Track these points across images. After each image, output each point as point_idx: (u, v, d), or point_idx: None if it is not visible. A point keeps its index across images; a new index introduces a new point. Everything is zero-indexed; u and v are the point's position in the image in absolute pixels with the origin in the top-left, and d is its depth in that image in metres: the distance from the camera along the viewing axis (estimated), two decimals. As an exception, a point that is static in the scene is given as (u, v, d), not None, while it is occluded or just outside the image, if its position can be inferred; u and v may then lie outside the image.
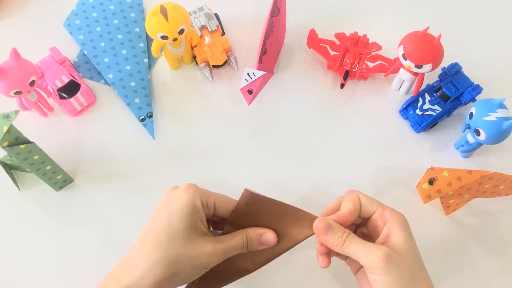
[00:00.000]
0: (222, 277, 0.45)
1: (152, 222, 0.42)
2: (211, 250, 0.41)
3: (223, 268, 0.43)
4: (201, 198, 0.42)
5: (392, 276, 0.39)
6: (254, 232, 0.43)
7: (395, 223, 0.41)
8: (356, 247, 0.41)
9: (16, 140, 0.50)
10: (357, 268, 0.45)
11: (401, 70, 0.63)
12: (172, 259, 0.39)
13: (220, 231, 0.45)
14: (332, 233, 0.42)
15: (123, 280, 0.39)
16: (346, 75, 0.66)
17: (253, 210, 0.43)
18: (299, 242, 0.44)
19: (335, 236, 0.42)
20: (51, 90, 0.64)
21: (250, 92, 0.60)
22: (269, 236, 0.43)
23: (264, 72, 0.61)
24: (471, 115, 0.55)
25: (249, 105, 0.61)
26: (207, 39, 0.68)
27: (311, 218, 0.43)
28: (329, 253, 0.44)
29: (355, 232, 0.45)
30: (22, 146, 0.51)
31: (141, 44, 0.70)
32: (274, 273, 0.55)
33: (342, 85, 0.66)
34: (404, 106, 0.64)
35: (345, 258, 0.45)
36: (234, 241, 0.42)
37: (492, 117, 0.53)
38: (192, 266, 0.40)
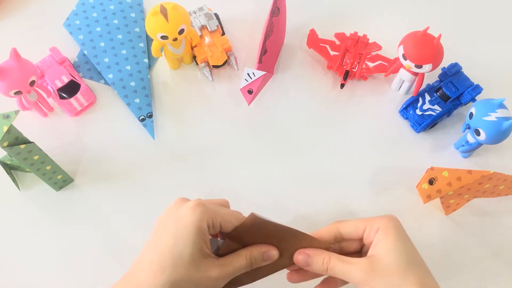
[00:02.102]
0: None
1: (158, 240, 0.41)
2: (217, 274, 0.40)
3: None
4: (207, 219, 0.41)
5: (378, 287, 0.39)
6: (257, 251, 0.43)
7: (381, 231, 0.41)
8: (339, 269, 0.41)
9: (16, 140, 0.50)
10: None
11: (401, 70, 0.63)
12: (176, 283, 0.39)
13: (219, 240, 0.45)
14: (313, 263, 0.43)
15: None
16: (346, 75, 0.66)
17: (256, 231, 0.43)
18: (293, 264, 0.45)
19: (316, 265, 0.42)
20: (51, 90, 0.64)
21: (250, 92, 0.60)
22: (272, 253, 0.43)
23: (264, 72, 0.61)
24: (471, 115, 0.55)
25: (249, 105, 0.61)
26: (207, 39, 0.68)
27: (313, 241, 0.44)
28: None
29: (360, 255, 0.45)
30: (22, 146, 0.51)
31: (141, 44, 0.70)
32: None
33: (342, 85, 0.66)
34: (404, 106, 0.64)
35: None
36: (238, 263, 0.42)
37: (492, 117, 0.53)
38: None
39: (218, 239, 0.46)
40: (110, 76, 0.67)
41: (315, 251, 0.43)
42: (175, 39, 0.60)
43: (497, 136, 0.54)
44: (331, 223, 0.45)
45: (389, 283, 0.39)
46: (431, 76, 0.65)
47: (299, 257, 0.43)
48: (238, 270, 0.42)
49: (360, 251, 0.45)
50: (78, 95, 0.64)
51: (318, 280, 0.46)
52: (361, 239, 0.44)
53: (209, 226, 0.41)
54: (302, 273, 0.45)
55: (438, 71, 0.63)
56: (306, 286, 0.47)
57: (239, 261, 0.42)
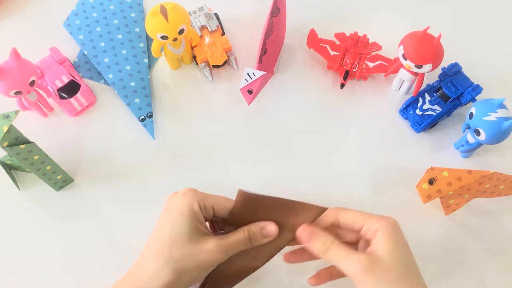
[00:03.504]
0: (229, 279, 0.45)
1: (156, 231, 0.43)
2: (214, 247, 0.41)
3: (228, 269, 0.44)
4: (199, 202, 0.42)
5: (372, 286, 0.39)
6: (255, 227, 0.44)
7: (382, 232, 0.41)
8: (338, 256, 0.42)
9: (16, 140, 0.50)
10: None
11: (401, 70, 0.63)
12: (176, 261, 0.40)
13: (222, 232, 0.46)
14: (315, 241, 0.43)
15: (132, 283, 0.41)
16: (346, 75, 0.66)
17: (250, 209, 0.44)
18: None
19: (318, 244, 0.42)
20: (51, 90, 0.64)
21: (250, 92, 0.60)
22: (271, 227, 0.44)
23: (264, 72, 0.61)
24: (471, 115, 0.55)
25: (249, 105, 0.61)
26: (207, 39, 0.68)
27: (307, 208, 0.44)
28: (321, 278, 0.46)
29: (356, 248, 0.45)
30: (22, 146, 0.51)
31: (141, 44, 0.70)
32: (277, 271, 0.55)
33: (342, 85, 0.66)
34: (404, 106, 0.64)
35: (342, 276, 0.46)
36: (236, 237, 0.43)
37: (492, 117, 0.53)
38: (197, 265, 0.41)
39: (221, 231, 0.46)
40: (110, 76, 0.67)
41: (320, 231, 0.43)
42: (175, 39, 0.60)
43: (497, 136, 0.54)
44: (332, 207, 0.45)
45: (388, 283, 0.39)
46: (431, 76, 0.65)
47: (303, 232, 0.43)
48: (237, 243, 0.43)
49: (356, 244, 0.45)
50: (78, 95, 0.64)
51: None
52: (358, 232, 0.44)
53: (201, 207, 0.43)
54: (298, 254, 0.46)
55: (438, 71, 0.63)
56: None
57: (237, 235, 0.43)
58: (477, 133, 0.55)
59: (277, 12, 0.65)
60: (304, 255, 0.45)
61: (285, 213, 0.44)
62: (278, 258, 0.46)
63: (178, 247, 0.41)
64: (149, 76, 0.67)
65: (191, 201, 0.42)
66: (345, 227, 0.44)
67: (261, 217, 0.44)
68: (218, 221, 0.48)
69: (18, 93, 0.57)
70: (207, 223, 0.48)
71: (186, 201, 0.42)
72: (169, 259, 0.40)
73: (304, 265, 0.47)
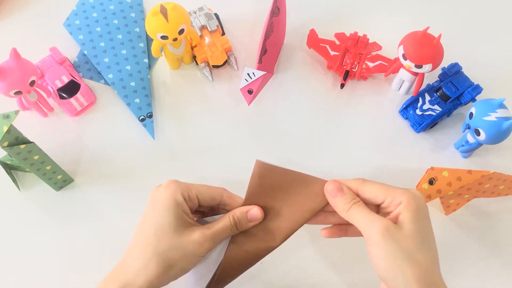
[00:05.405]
0: (247, 259, 0.44)
1: (141, 225, 0.43)
2: (199, 237, 0.41)
3: (244, 247, 0.44)
4: (182, 192, 0.43)
5: (387, 251, 0.38)
6: (239, 212, 0.44)
7: (404, 204, 0.40)
8: (359, 215, 0.41)
9: (16, 140, 0.50)
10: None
11: (401, 70, 0.63)
12: (163, 253, 0.40)
13: (209, 218, 0.46)
14: (341, 197, 0.42)
15: (119, 279, 0.41)
16: (346, 75, 0.66)
17: (268, 183, 0.43)
18: (317, 211, 0.44)
19: (343, 201, 0.42)
20: (51, 90, 0.64)
21: (250, 92, 0.60)
22: (254, 211, 0.44)
23: (264, 72, 0.61)
24: (471, 115, 0.55)
25: (249, 105, 0.61)
26: (207, 39, 0.68)
27: (323, 184, 0.43)
28: (335, 232, 0.46)
29: None
30: (22, 146, 0.51)
31: (141, 44, 0.70)
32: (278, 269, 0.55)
33: (342, 85, 0.66)
34: (404, 106, 0.64)
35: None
36: (221, 224, 0.43)
37: (492, 117, 0.53)
38: (184, 256, 0.41)
39: (205, 218, 0.46)
40: (110, 76, 0.67)
41: (348, 189, 0.42)
42: (175, 39, 0.60)
43: (497, 136, 0.54)
44: (356, 178, 0.44)
45: (402, 251, 0.38)
46: (431, 76, 0.65)
47: (330, 186, 0.43)
48: (222, 231, 0.43)
49: None
50: (78, 95, 0.64)
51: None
52: (378, 206, 0.43)
53: (185, 198, 0.43)
54: (317, 217, 0.45)
55: (438, 71, 0.63)
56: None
57: (223, 222, 0.43)
58: (477, 133, 0.55)
59: (277, 12, 0.65)
60: (320, 216, 0.45)
61: (304, 190, 0.43)
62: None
63: (164, 239, 0.41)
64: (149, 76, 0.67)
65: (174, 192, 0.42)
66: (366, 201, 0.43)
67: (278, 193, 0.44)
68: (205, 211, 0.48)
69: (18, 93, 0.57)
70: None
71: (169, 192, 0.42)
72: (156, 251, 0.40)
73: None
